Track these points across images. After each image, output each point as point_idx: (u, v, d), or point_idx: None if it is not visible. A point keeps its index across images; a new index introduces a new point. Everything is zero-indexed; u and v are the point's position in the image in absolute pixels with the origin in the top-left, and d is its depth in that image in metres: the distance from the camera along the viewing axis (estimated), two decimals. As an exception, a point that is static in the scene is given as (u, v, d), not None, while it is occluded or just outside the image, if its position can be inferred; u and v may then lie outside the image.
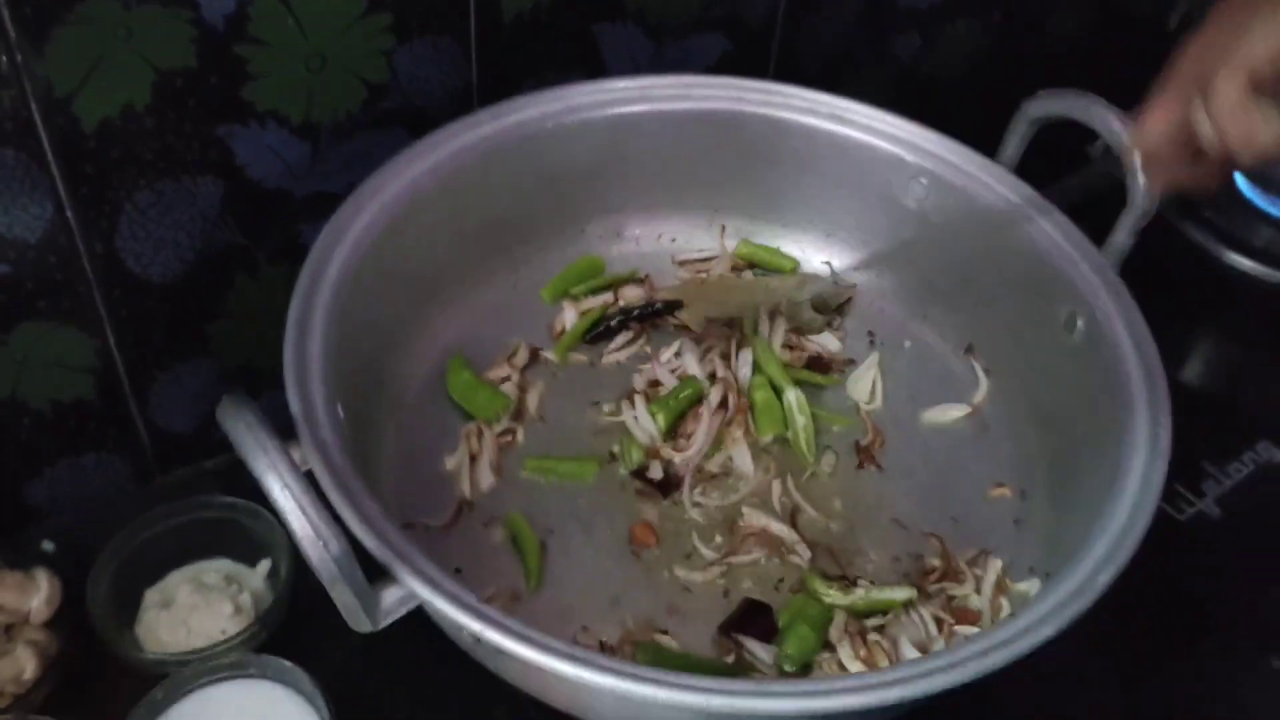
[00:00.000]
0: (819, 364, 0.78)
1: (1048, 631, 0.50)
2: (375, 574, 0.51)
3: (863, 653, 0.59)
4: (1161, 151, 0.55)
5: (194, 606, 0.72)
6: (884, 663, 0.60)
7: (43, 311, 0.69)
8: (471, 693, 0.69)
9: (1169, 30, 1.16)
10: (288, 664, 0.67)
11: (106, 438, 0.78)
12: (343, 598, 0.48)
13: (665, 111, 0.75)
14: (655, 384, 0.75)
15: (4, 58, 0.59)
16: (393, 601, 0.50)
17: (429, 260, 0.71)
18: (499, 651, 0.48)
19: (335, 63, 0.70)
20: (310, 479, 0.49)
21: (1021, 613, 0.52)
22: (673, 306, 0.79)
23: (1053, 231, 0.69)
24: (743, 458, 0.71)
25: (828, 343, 0.79)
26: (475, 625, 0.48)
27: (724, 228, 0.82)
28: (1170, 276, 0.93)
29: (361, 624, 0.49)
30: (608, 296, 0.80)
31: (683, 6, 0.82)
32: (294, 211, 0.75)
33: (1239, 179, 0.96)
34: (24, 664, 0.66)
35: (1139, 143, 0.58)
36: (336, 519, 0.49)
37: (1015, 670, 0.61)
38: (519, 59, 0.77)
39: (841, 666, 0.60)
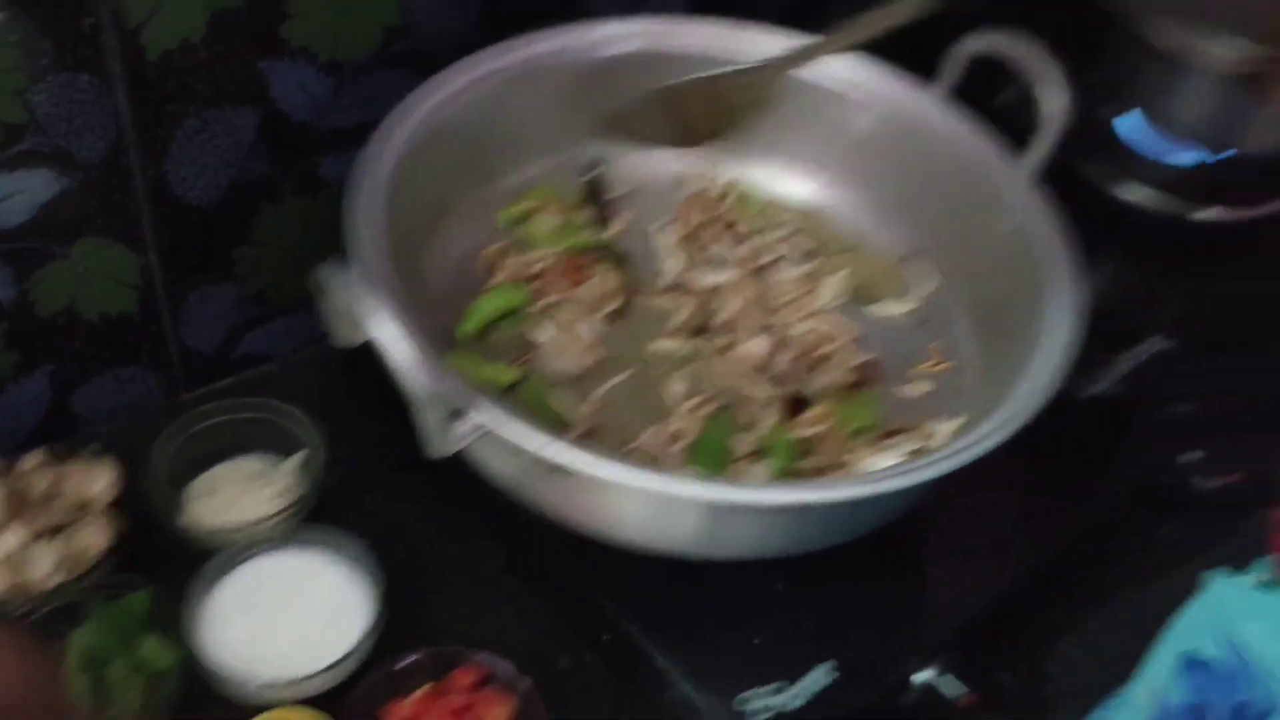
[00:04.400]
0: None
1: (999, 437, 0.62)
2: (444, 415, 0.61)
3: None
4: None
5: (237, 493, 0.80)
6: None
7: (100, 228, 0.77)
8: (490, 560, 0.79)
9: None
10: (333, 529, 0.76)
11: (143, 352, 0.85)
12: (432, 419, 0.57)
13: (648, 52, 0.85)
14: None
15: (86, -11, 0.68)
16: (464, 430, 0.59)
17: (451, 177, 0.80)
18: (554, 469, 0.59)
19: (358, 7, 0.79)
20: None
21: (966, 435, 0.64)
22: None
23: (983, 147, 0.82)
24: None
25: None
26: (537, 442, 0.58)
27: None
28: (1070, 208, 1.07)
29: (440, 447, 0.59)
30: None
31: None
32: (316, 144, 0.84)
33: (1119, 125, 1.10)
34: (95, 538, 0.74)
35: None
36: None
37: (939, 516, 0.74)
38: (517, 8, 0.87)
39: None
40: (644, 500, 0.62)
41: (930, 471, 0.60)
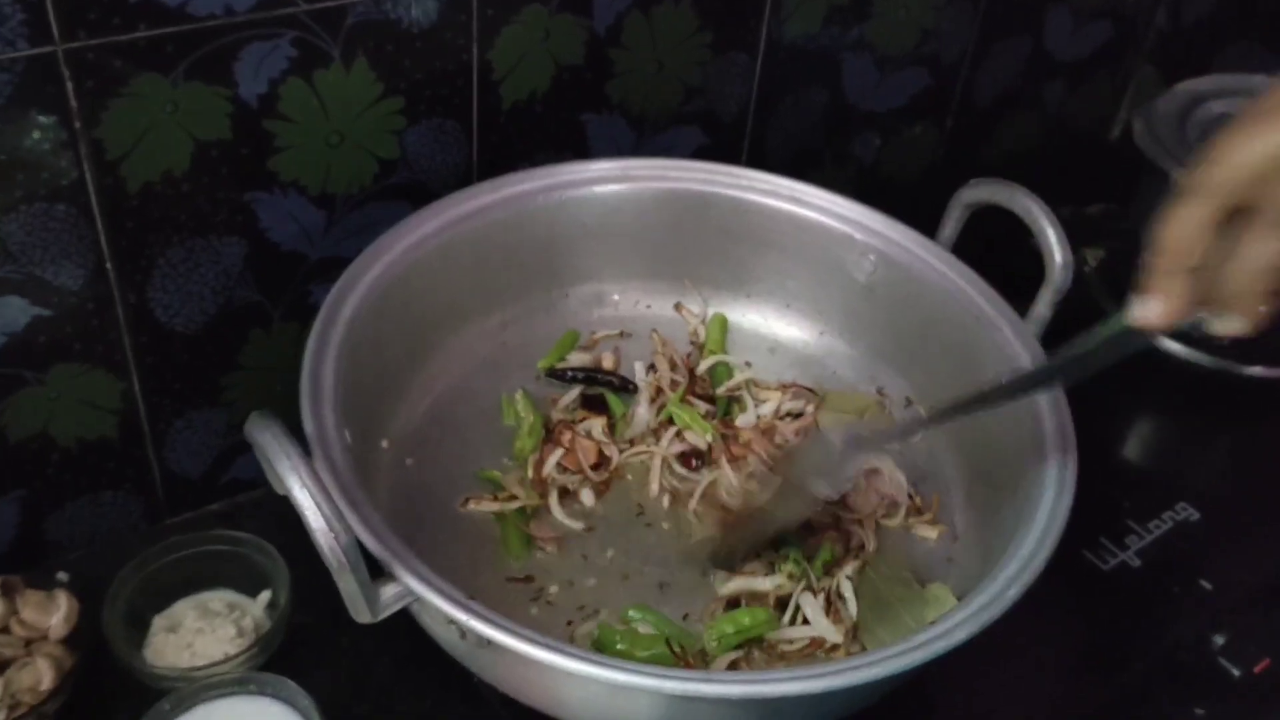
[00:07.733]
0: None
1: (961, 636, 0.57)
2: (375, 574, 0.57)
3: None
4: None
5: (199, 630, 0.77)
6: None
7: (77, 354, 0.76)
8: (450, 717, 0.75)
9: (1109, 140, 1.28)
10: (285, 680, 0.73)
11: (124, 477, 0.84)
12: (347, 586, 0.54)
13: (643, 190, 0.84)
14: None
15: (65, 124, 0.67)
16: (390, 596, 0.56)
17: (428, 313, 0.78)
18: (485, 643, 0.55)
19: (351, 140, 0.79)
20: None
21: (940, 621, 0.59)
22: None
23: (983, 302, 0.78)
24: None
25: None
26: (461, 616, 0.54)
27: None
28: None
29: (362, 614, 0.56)
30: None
31: (662, 101, 0.92)
32: (307, 273, 0.83)
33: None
34: (41, 674, 0.72)
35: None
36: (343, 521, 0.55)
37: (954, 690, 0.69)
38: (515, 142, 0.86)
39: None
40: (582, 683, 0.57)
41: (906, 660, 0.55)
